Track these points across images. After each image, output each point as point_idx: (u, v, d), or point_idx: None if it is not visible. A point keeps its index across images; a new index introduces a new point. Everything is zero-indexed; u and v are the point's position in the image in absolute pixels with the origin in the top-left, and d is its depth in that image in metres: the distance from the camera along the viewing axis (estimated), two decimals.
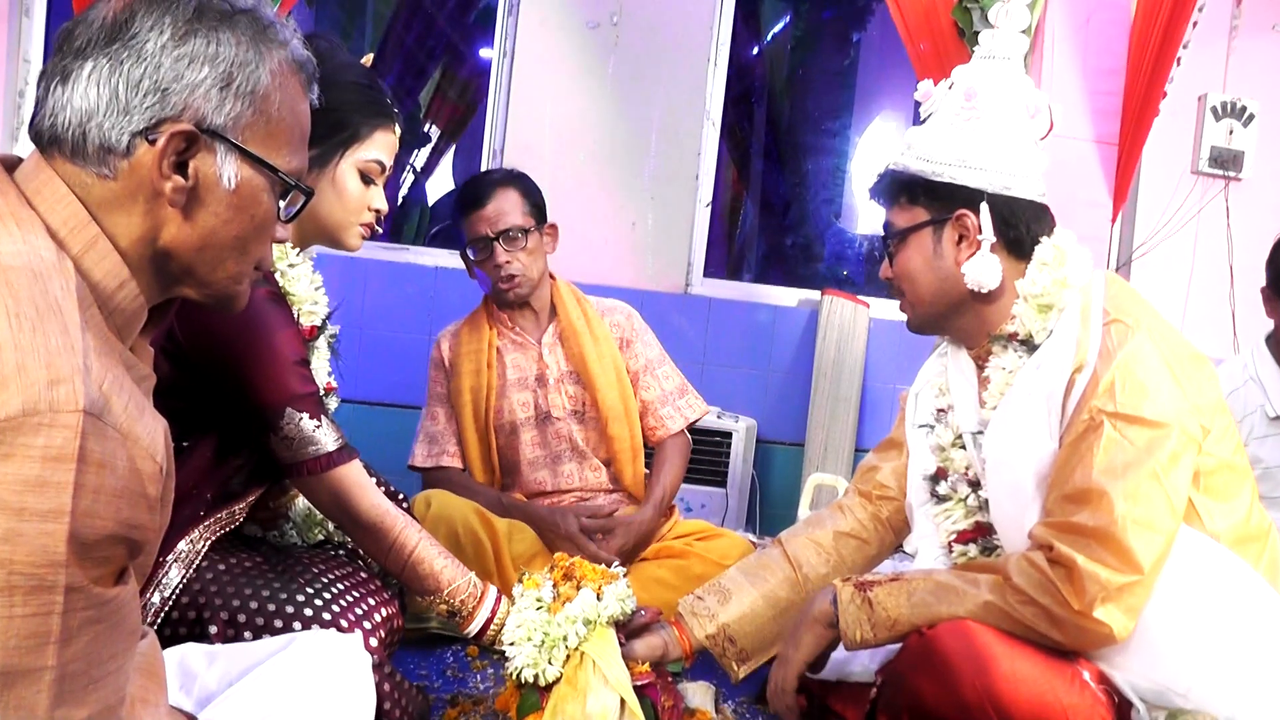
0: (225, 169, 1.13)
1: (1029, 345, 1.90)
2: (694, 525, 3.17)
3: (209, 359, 1.85)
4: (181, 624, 1.81)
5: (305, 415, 1.90)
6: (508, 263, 2.96)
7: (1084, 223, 1.93)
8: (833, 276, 5.84)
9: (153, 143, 1.09)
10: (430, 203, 6.14)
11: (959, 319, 2.00)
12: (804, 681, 2.23)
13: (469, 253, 3.01)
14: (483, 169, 4.45)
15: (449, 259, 4.42)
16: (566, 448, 3.11)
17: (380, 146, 2.09)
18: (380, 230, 2.19)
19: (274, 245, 1.40)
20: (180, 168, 1.11)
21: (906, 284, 2.01)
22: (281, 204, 1.21)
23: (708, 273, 4.57)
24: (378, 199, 2.12)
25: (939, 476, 2.06)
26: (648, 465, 3.19)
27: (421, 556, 1.98)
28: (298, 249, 2.09)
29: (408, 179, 6.08)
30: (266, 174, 1.17)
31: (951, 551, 2.03)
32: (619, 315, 3.18)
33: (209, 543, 1.90)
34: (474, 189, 3.01)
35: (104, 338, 1.05)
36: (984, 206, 1.91)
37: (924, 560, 2.08)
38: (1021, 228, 1.92)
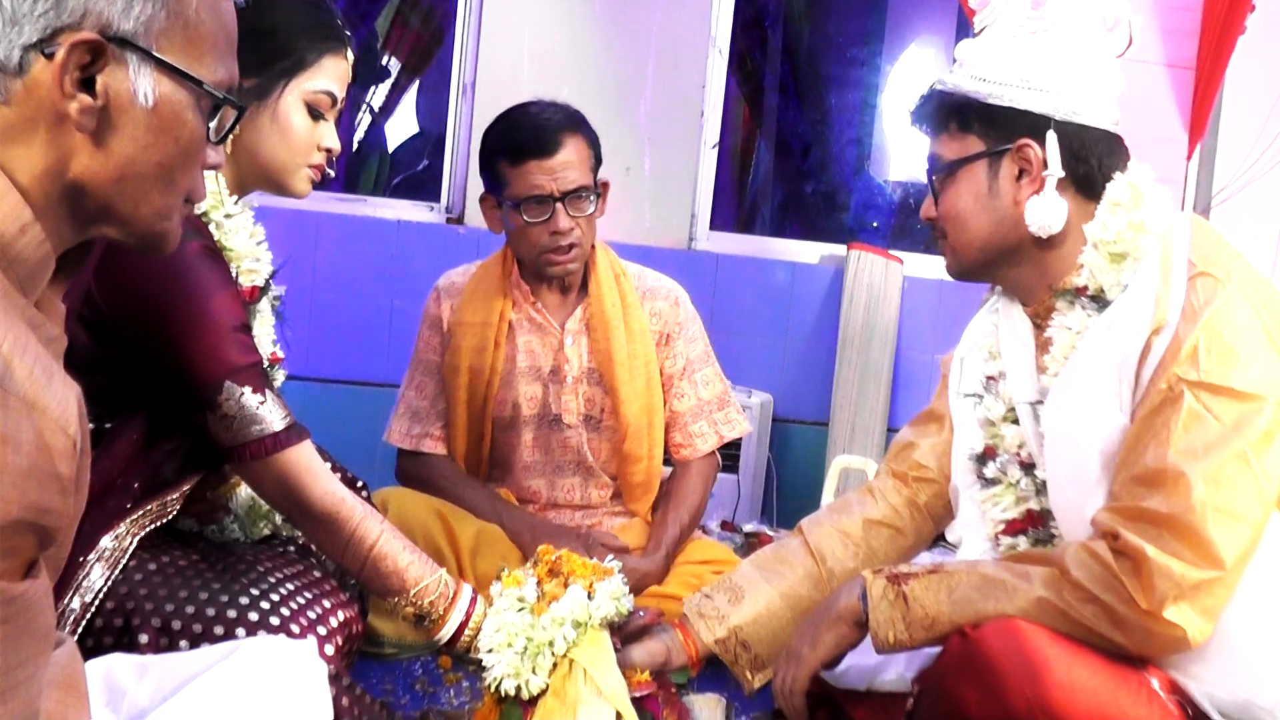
0: (140, 84, 1.12)
1: (1099, 301, 1.88)
2: (711, 550, 3.04)
3: (133, 326, 1.85)
4: (107, 632, 1.81)
5: (247, 390, 1.90)
6: (570, 229, 2.81)
7: (1154, 161, 1.91)
8: (860, 229, 5.84)
9: (50, 56, 1.07)
10: (390, 149, 6.13)
11: (1015, 269, 1.99)
12: (827, 691, 2.24)
13: (518, 210, 2.81)
14: (451, 108, 4.44)
15: (413, 211, 4.42)
16: (571, 460, 3.02)
17: (330, 75, 2.08)
18: (332, 173, 2.18)
19: (206, 178, 1.39)
20: (86, 85, 1.09)
21: (953, 227, 1.99)
22: (211, 125, 1.20)
23: (715, 226, 4.56)
24: (328, 136, 2.11)
25: (987, 456, 2.06)
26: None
27: (384, 552, 1.98)
28: (235, 196, 2.08)
29: (363, 121, 6.06)
30: (189, 87, 1.15)
31: (999, 544, 2.03)
32: (662, 301, 3.03)
33: (137, 539, 1.90)
34: (536, 131, 2.81)
35: (3, 292, 1.04)
36: (1050, 136, 1.89)
37: (969, 552, 2.08)
38: (1093, 162, 1.90)
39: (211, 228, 2.01)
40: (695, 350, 3.06)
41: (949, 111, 1.98)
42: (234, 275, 2.03)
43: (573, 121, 2.85)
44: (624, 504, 3.09)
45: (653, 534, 2.96)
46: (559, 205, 2.79)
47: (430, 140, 5.76)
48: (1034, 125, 1.90)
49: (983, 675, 1.72)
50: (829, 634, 2.00)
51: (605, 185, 2.90)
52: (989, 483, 2.06)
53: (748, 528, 3.63)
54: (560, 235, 2.81)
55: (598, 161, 2.89)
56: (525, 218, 2.81)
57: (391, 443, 3.04)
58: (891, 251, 4.46)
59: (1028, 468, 2.00)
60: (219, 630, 1.82)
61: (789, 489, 4.26)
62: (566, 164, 2.80)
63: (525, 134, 2.82)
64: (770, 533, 3.53)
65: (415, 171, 5.78)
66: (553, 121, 2.83)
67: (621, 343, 2.93)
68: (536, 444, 3.01)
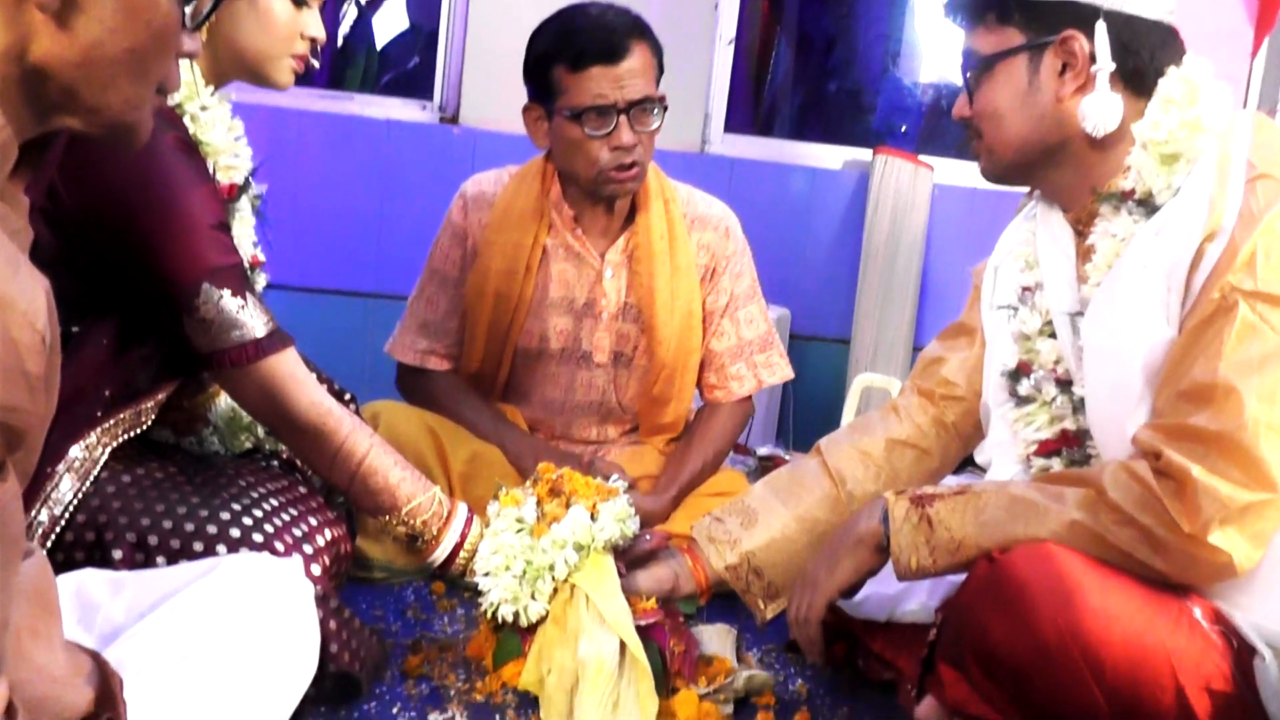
0: None
1: (1148, 206, 1.86)
2: (722, 479, 3.00)
3: (102, 224, 1.84)
4: (78, 547, 1.83)
5: (226, 292, 1.90)
6: (633, 145, 2.71)
7: (1214, 57, 1.88)
8: (887, 132, 5.80)
9: None
10: (379, 44, 6.08)
11: (1055, 171, 1.97)
12: (844, 621, 2.26)
13: (576, 121, 2.71)
14: (444, 1, 4.39)
15: (404, 110, 4.39)
16: (595, 399, 2.99)
17: None
18: (316, 64, 2.17)
19: (181, 67, 1.38)
20: None
21: (989, 125, 1.96)
22: (187, 9, 1.19)
23: (730, 128, 4.54)
24: (312, 24, 2.10)
25: (1020, 372, 2.05)
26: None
27: (374, 467, 1.99)
28: (212, 87, 2.07)
29: (349, 14, 6.01)
30: None
31: (1031, 466, 2.03)
32: (711, 233, 2.96)
33: (109, 449, 1.91)
34: (601, 34, 2.70)
35: None
36: (1099, 26, 1.86)
37: (999, 474, 2.08)
38: (1144, 55, 1.88)
39: (186, 120, 2.01)
40: (741, 285, 3.00)
41: (986, 2, 1.95)
42: (211, 171, 2.02)
43: (639, 26, 2.75)
44: (640, 436, 3.07)
45: (666, 471, 2.94)
46: (622, 117, 2.69)
47: (422, 35, 5.71)
48: (1080, 16, 1.87)
49: (1011, 602, 1.71)
50: (847, 560, 2.01)
51: (664, 99, 2.80)
52: (1022, 400, 2.05)
53: (762, 451, 3.64)
54: (623, 151, 2.71)
55: (661, 72, 2.80)
56: (586, 129, 2.71)
57: (394, 356, 3.01)
58: (920, 157, 4.44)
59: (1064, 384, 1.99)
60: (198, 547, 1.83)
61: (807, 410, 4.27)
62: (632, 72, 2.69)
63: (588, 37, 2.70)
64: (786, 456, 3.55)
65: (406, 69, 5.74)
66: (619, 24, 2.73)
67: (665, 279, 2.87)
68: (560, 380, 2.97)
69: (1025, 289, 2.07)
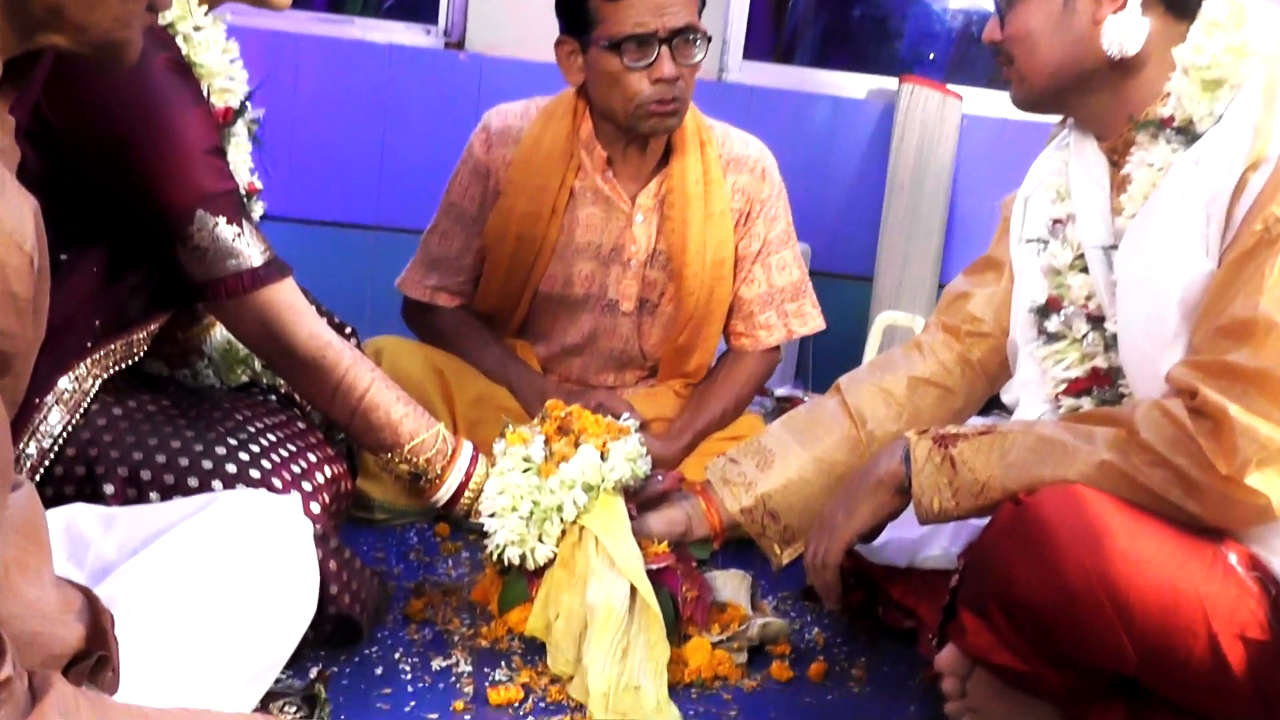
0: None
1: (1187, 134, 1.84)
2: (737, 422, 2.99)
3: (91, 147, 1.83)
4: (68, 481, 1.84)
5: (221, 220, 1.89)
6: (675, 78, 2.67)
7: None
8: (915, 60, 5.75)
9: None
10: None
11: (1089, 98, 1.95)
12: (863, 568, 2.27)
13: (614, 52, 2.66)
14: None
15: (407, 35, 4.36)
16: (617, 348, 2.98)
17: None
18: None
19: None
20: None
21: (1021, 50, 1.95)
22: None
23: (748, 54, 4.51)
24: None
25: (1050, 308, 2.04)
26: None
27: (375, 402, 2.00)
28: (206, 7, 2.06)
29: None
30: None
31: (1060, 406, 2.02)
32: (747, 175, 2.92)
33: (99, 381, 1.91)
34: None
35: None
36: None
37: (1026, 414, 2.07)
38: None
39: (179, 41, 1.99)
40: (776, 230, 2.97)
41: None
42: (205, 94, 2.01)
43: None
44: (658, 381, 3.06)
45: (682, 416, 2.94)
46: (664, 48, 2.64)
47: None
48: None
49: (1036, 546, 1.71)
50: (867, 503, 2.01)
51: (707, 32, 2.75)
52: (1052, 337, 2.04)
53: (780, 392, 3.64)
54: (664, 85, 2.65)
55: (704, 2, 2.77)
56: (625, 60, 2.66)
57: (404, 291, 2.99)
58: (948, 86, 4.40)
59: (1096, 320, 1.98)
60: (192, 482, 1.84)
61: (827, 350, 4.26)
62: (675, 0, 2.66)
63: None
64: (805, 398, 3.55)
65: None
66: None
67: (698, 226, 2.84)
68: (581, 325, 2.95)
69: (1056, 221, 2.05)
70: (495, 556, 2.08)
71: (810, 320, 3.04)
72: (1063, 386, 2.02)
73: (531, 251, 2.85)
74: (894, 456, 1.97)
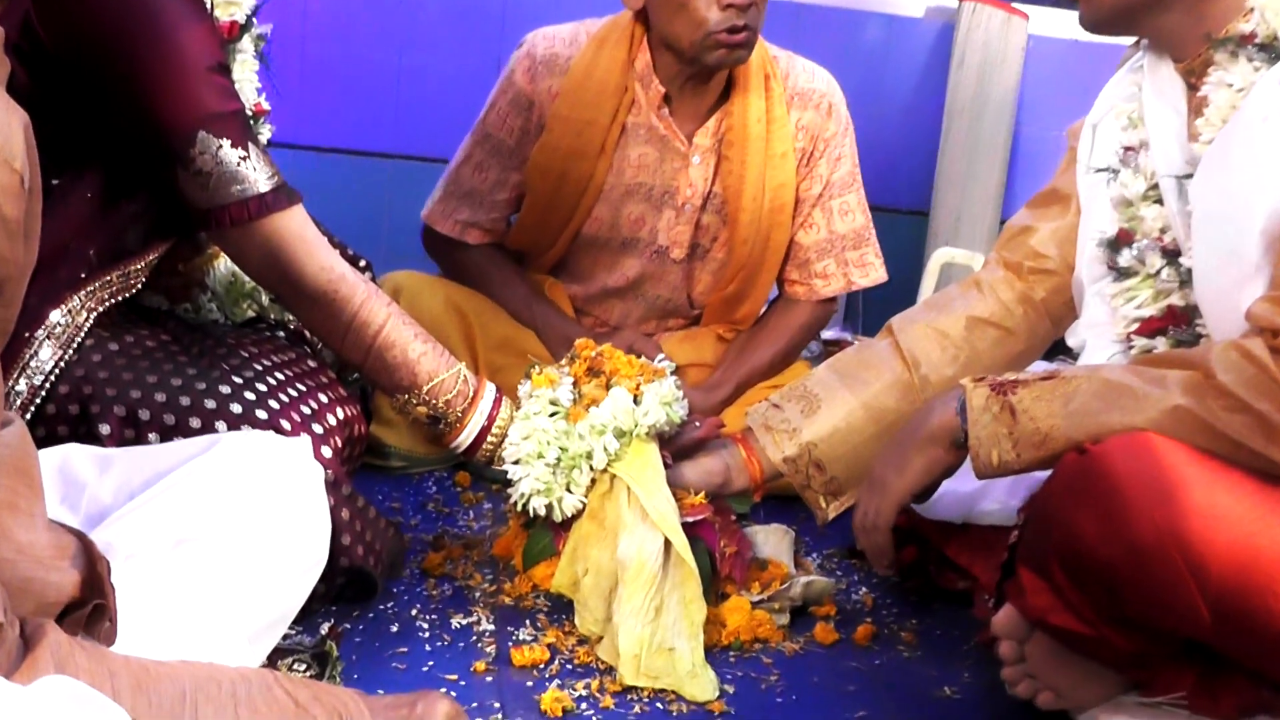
0: None
1: (1271, 51, 1.83)
2: (789, 372, 2.97)
3: (85, 64, 1.83)
4: (61, 420, 1.85)
5: (225, 142, 1.89)
6: (748, 5, 2.61)
7: None
8: None
9: None
10: None
11: (1163, 16, 1.94)
12: (915, 524, 2.27)
13: None
14: None
15: None
16: (663, 297, 2.97)
17: None
18: None
19: None
20: None
21: None
22: None
23: None
24: None
25: (1121, 241, 2.03)
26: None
27: (392, 339, 2.01)
28: None
29: None
30: None
31: (1131, 347, 2.01)
32: (811, 111, 2.88)
33: (94, 315, 1.92)
34: None
35: None
36: None
37: (1093, 357, 2.06)
38: None
39: None
40: (839, 171, 2.93)
41: None
42: (209, 8, 2.01)
43: None
44: (701, 324, 3.04)
45: (724, 364, 2.93)
46: None
47: None
48: None
49: (1103, 498, 1.70)
50: (919, 457, 2.00)
51: None
52: (1122, 274, 2.03)
53: (828, 335, 3.62)
54: (735, 10, 2.60)
55: None
56: None
57: (430, 223, 2.97)
58: (1013, 4, 4.36)
59: (1171, 255, 1.97)
60: (195, 423, 1.85)
61: (878, 289, 4.24)
62: None
63: None
64: (855, 341, 3.53)
65: None
66: None
67: (757, 169, 2.81)
68: (625, 270, 2.94)
69: (1128, 149, 2.04)
70: (519, 507, 2.08)
71: (872, 271, 3.02)
72: (1135, 326, 2.00)
73: (576, 192, 2.82)
74: (948, 407, 1.96)
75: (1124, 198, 2.02)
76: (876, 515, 2.06)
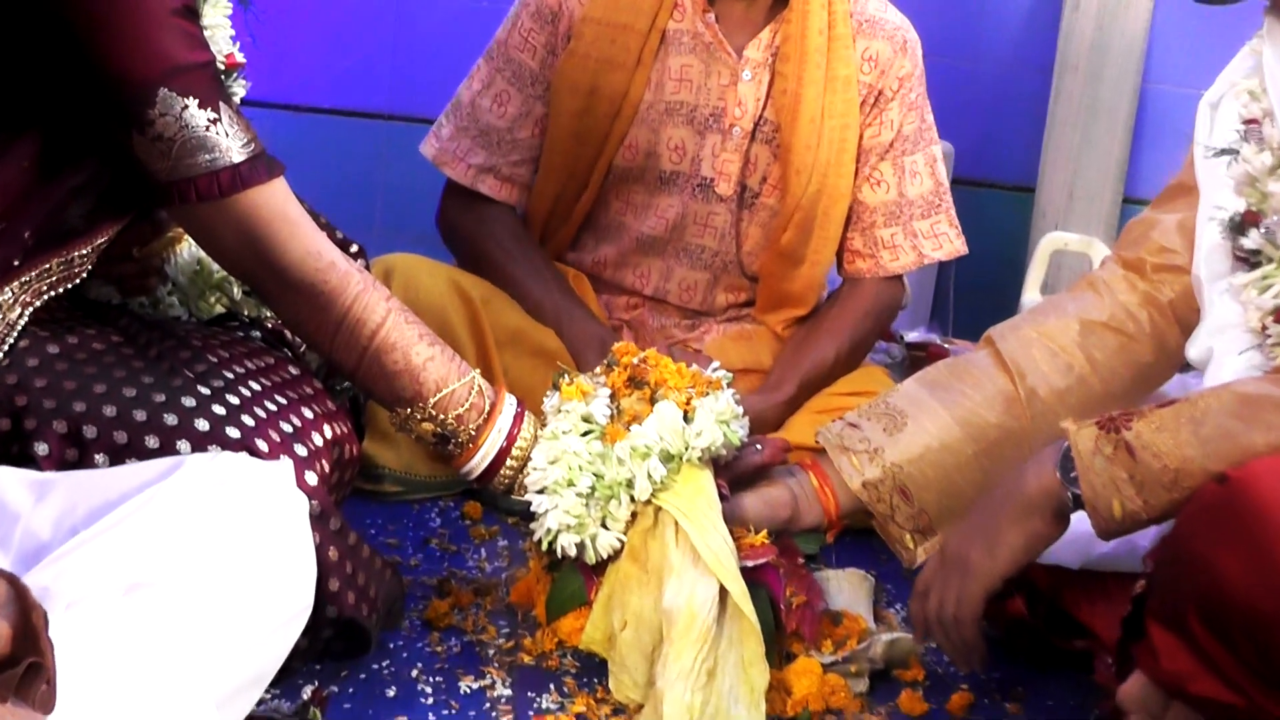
0: None
1: None
2: (857, 377, 2.99)
3: (24, 4, 1.82)
4: None
5: (192, 102, 1.87)
6: None
7: None
8: None
9: None
10: None
11: None
12: (1023, 570, 2.24)
13: None
14: None
15: None
16: (709, 246, 2.99)
17: None
18: None
19: None
20: None
21: None
22: None
23: None
24: None
25: (1247, 223, 2.02)
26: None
27: (391, 340, 2.00)
28: None
29: None
30: None
31: (1268, 338, 2.00)
32: (883, 41, 2.94)
33: (30, 310, 1.91)
34: None
35: None
36: None
37: (1222, 370, 2.05)
38: None
39: None
40: (912, 123, 2.98)
41: None
42: None
43: None
44: (756, 312, 3.06)
45: (781, 363, 2.94)
46: None
47: None
48: None
49: (1251, 534, 1.66)
50: (1013, 532, 1.98)
51: None
52: (1251, 260, 2.02)
53: (912, 337, 3.62)
54: None
55: None
56: None
57: (443, 168, 2.98)
58: None
59: None
60: (151, 442, 1.83)
61: (974, 282, 4.25)
62: None
63: None
64: (947, 346, 3.52)
65: None
66: None
67: (816, 89, 2.83)
68: (665, 211, 2.97)
69: (1249, 122, 2.07)
70: (544, 546, 2.07)
71: (946, 243, 3.04)
72: (1270, 316, 1.99)
73: (609, 111, 2.86)
74: (1044, 465, 1.93)
75: (1248, 174, 2.04)
76: (959, 605, 2.02)
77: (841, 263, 3.05)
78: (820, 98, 2.83)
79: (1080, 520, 2.03)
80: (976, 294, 4.23)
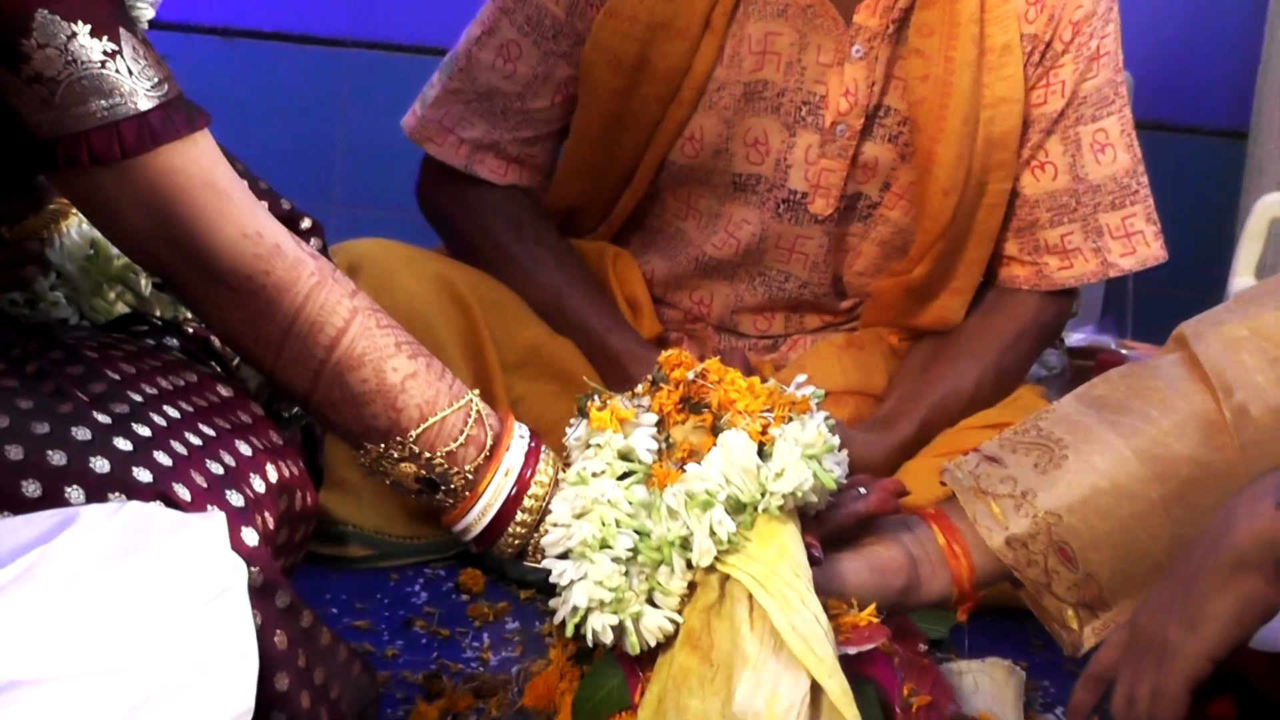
0: None
1: None
2: (1016, 400, 2.99)
3: None
4: None
5: (83, 28, 1.89)
6: None
7: None
8: None
9: None
10: None
11: None
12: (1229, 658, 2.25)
13: None
14: None
15: None
16: (797, 277, 2.99)
17: None
18: None
19: None
20: None
21: None
22: None
23: None
24: None
25: None
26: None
27: (359, 351, 2.01)
28: None
29: None
30: None
31: None
32: None
33: None
34: None
35: None
36: None
37: None
38: None
39: None
40: (1095, 77, 2.94)
41: None
42: None
43: None
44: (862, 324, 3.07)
45: (899, 388, 2.96)
46: None
47: None
48: None
49: None
50: (1223, 595, 1.95)
51: None
52: None
53: (1074, 340, 3.63)
54: None
55: None
56: None
57: (419, 141, 3.00)
58: None
59: None
60: (30, 489, 1.84)
61: (1160, 264, 4.26)
62: None
63: None
64: (1120, 350, 3.53)
65: None
66: None
67: (970, 71, 2.81)
68: (737, 230, 2.97)
69: None
70: (570, 630, 2.07)
71: (1140, 245, 3.02)
72: None
73: (662, 94, 2.85)
74: (1258, 506, 1.92)
75: None
76: (1155, 703, 2.02)
77: (993, 266, 3.04)
78: (976, 79, 2.79)
79: None
80: (1163, 280, 4.23)
